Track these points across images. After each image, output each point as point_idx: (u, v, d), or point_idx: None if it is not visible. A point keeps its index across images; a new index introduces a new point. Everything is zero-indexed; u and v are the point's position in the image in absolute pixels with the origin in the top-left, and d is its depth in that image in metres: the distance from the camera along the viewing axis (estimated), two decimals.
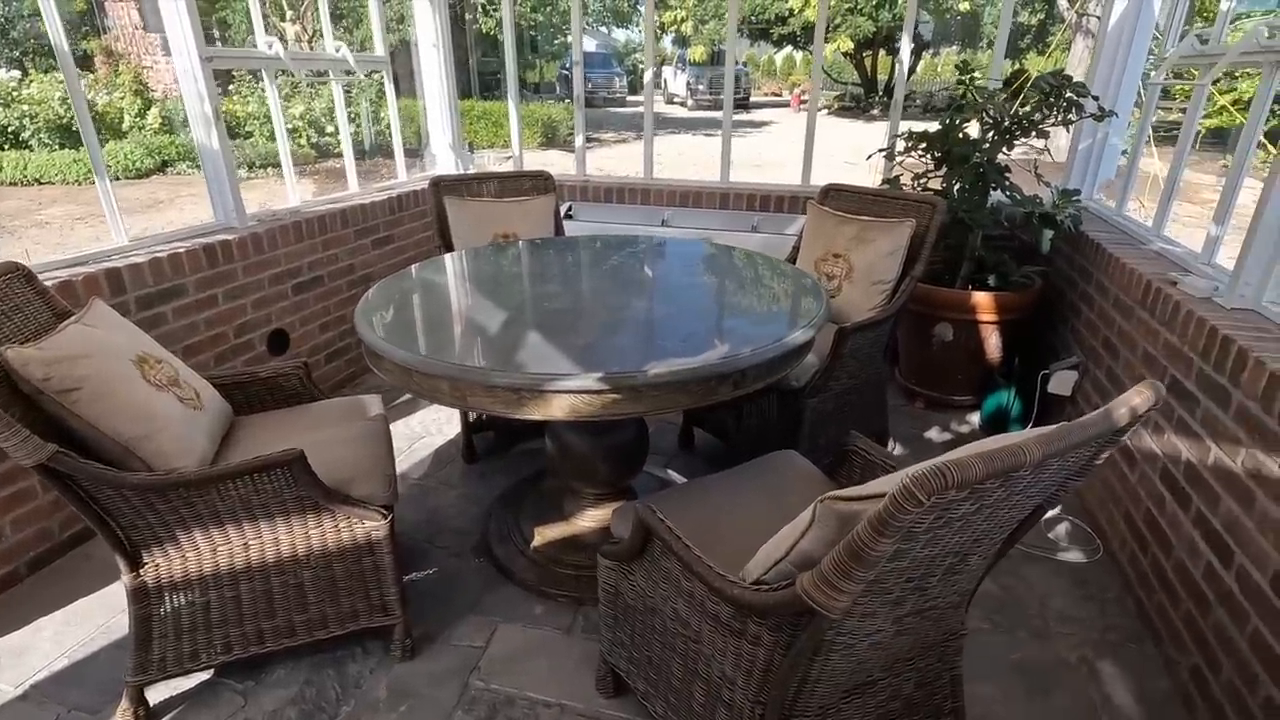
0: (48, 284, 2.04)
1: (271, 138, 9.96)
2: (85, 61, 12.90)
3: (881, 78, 23.95)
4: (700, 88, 23.00)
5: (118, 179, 9.18)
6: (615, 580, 1.50)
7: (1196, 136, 2.40)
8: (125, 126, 10.15)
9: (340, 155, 9.87)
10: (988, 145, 2.64)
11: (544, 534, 2.15)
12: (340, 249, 3.17)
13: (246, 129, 10.02)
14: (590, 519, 2.16)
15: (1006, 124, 2.64)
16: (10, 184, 8.81)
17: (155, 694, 1.65)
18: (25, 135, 9.22)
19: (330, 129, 9.94)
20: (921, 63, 24.81)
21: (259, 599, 1.60)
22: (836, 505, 0.91)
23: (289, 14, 9.87)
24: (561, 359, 1.47)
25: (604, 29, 25.92)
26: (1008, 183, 2.69)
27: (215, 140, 2.61)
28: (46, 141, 9.27)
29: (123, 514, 1.43)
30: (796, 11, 18.33)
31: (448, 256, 2.37)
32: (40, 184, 8.66)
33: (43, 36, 12.86)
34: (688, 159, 11.01)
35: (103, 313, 1.65)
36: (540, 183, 3.06)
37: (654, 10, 3.69)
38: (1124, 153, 3.17)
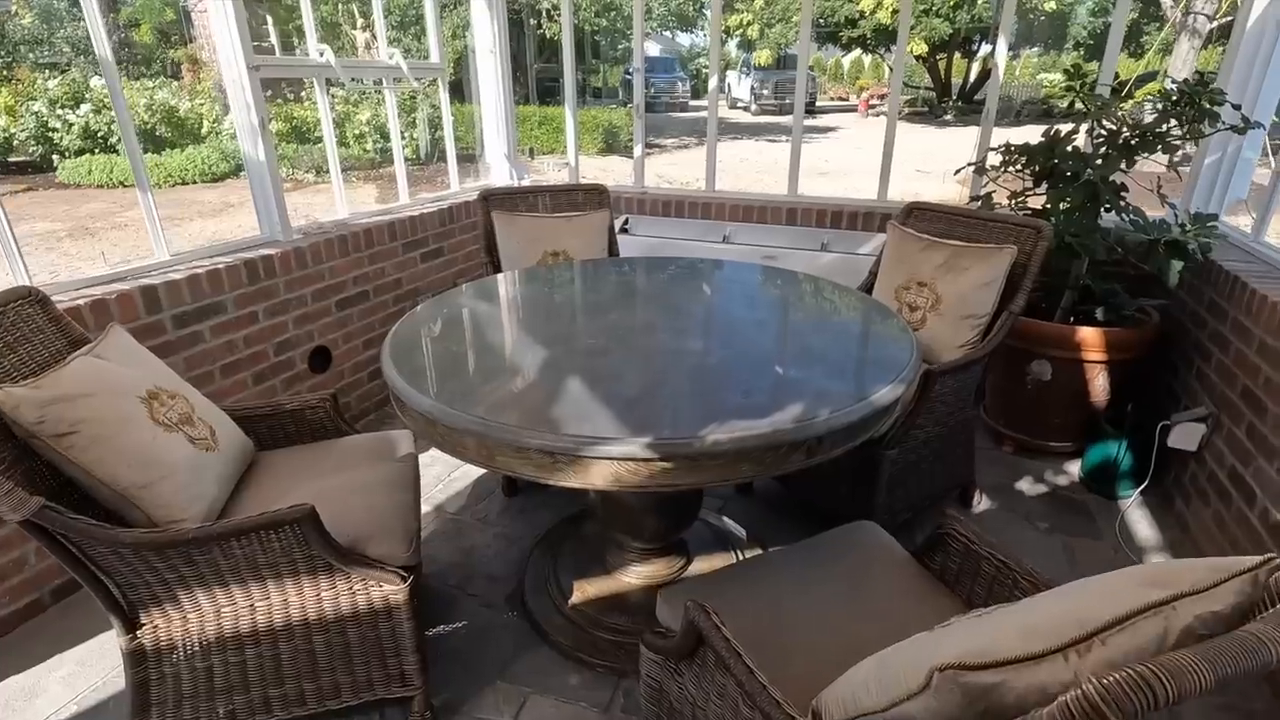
0: (82, 301, 1.97)
1: (341, 142, 10.17)
2: (173, 69, 13.55)
3: (956, 81, 23.00)
4: (765, 92, 22.55)
5: (195, 182, 9.51)
6: (660, 677, 1.27)
7: None
8: (204, 131, 10.53)
9: (408, 161, 10.02)
10: (1101, 161, 2.30)
11: (584, 589, 1.95)
12: (387, 262, 3.06)
13: (316, 134, 10.24)
14: (635, 575, 1.95)
15: (1126, 135, 2.30)
16: (98, 186, 9.23)
17: None
18: (113, 140, 9.66)
19: (403, 140, 10.08)
20: (1003, 64, 23.72)
21: (266, 665, 1.45)
22: (964, 679, 0.67)
23: (359, 21, 10.04)
24: (604, 417, 1.26)
25: (668, 33, 25.80)
26: (1124, 203, 2.35)
27: (261, 151, 2.52)
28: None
29: (118, 571, 1.29)
30: (868, 14, 17.74)
31: (486, 282, 2.20)
32: (125, 187, 9.05)
33: (133, 45, 13.57)
34: (750, 165, 10.70)
35: (118, 342, 1.53)
36: (594, 197, 2.87)
37: (720, 14, 3.46)
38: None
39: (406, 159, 3.39)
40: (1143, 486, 2.39)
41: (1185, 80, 2.20)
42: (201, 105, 10.70)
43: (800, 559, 1.40)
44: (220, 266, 2.34)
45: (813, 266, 3.08)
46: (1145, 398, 2.59)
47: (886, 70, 25.81)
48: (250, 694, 1.46)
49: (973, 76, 22.72)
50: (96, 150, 9.73)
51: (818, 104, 24.88)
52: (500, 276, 2.28)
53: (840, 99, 29.44)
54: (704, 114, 3.64)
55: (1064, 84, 2.46)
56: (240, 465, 1.62)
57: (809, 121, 19.68)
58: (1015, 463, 2.71)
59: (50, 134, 9.70)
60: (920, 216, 2.46)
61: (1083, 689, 0.52)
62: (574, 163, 3.97)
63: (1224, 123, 2.23)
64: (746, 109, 23.60)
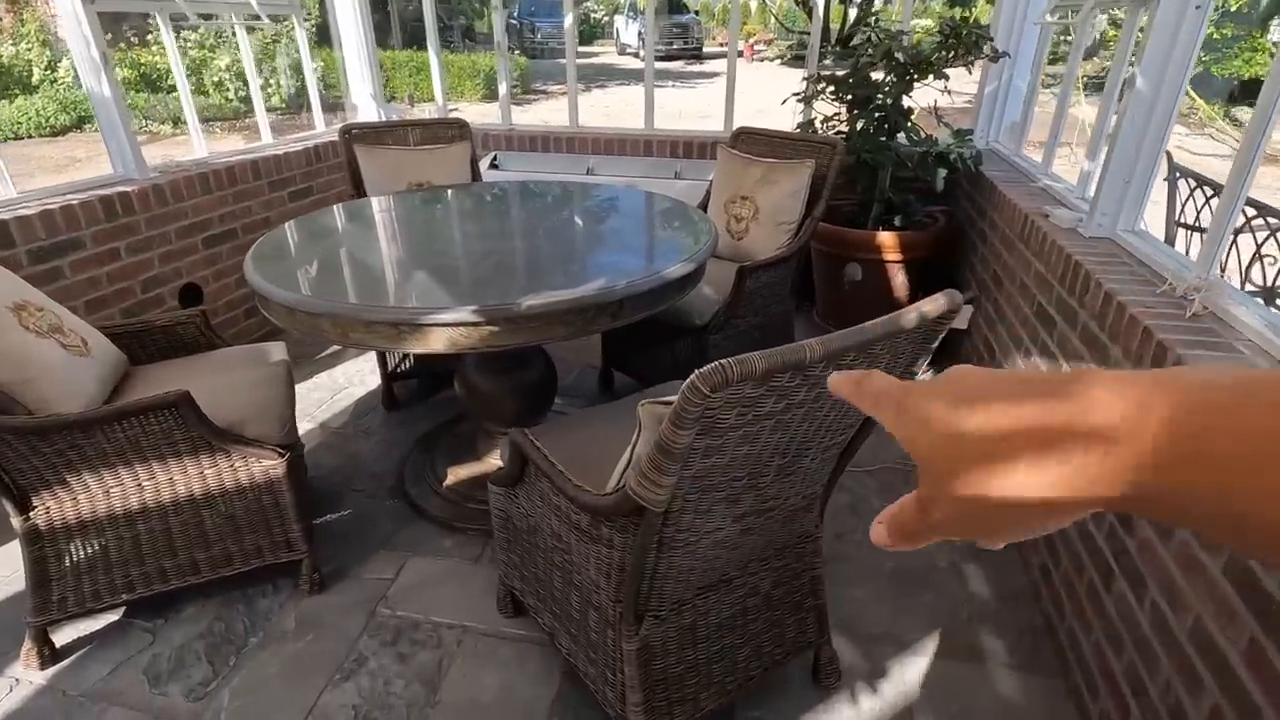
0: None
1: (199, 90, 9.50)
2: None
3: (834, 27, 23.74)
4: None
5: (30, 137, 8.68)
6: (505, 505, 1.57)
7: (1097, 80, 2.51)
8: (35, 80, 9.54)
9: (274, 110, 9.47)
10: (888, 87, 2.71)
11: (457, 473, 2.22)
12: (254, 201, 3.11)
13: (170, 82, 9.51)
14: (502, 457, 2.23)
15: (908, 65, 2.70)
16: None
17: (63, 635, 1.70)
18: None
19: (260, 82, 9.51)
20: (875, 11, 24.63)
21: (158, 538, 1.64)
22: (655, 408, 0.99)
23: None
24: (441, 293, 1.52)
25: None
26: (910, 125, 2.78)
27: (106, 87, 2.52)
28: None
29: (5, 457, 1.44)
30: None
31: (347, 205, 2.37)
32: None
33: None
34: (636, 111, 10.84)
35: None
36: (455, 130, 3.03)
37: None
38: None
39: (273, 108, 3.40)
40: (929, 361, 2.89)
41: (950, 18, 2.62)
42: (29, 50, 9.65)
43: (614, 410, 1.72)
44: (74, 202, 2.36)
45: (668, 192, 3.36)
46: (935, 288, 3.09)
47: (771, 17, 26.25)
48: (145, 566, 1.65)
49: (850, 20, 23.53)
50: None
51: (705, 50, 25.07)
52: (362, 201, 2.44)
53: (726, 44, 29.71)
54: (595, 60, 3.80)
55: (859, 20, 2.83)
56: (115, 372, 1.76)
57: (696, 68, 19.88)
58: None
59: None
60: (747, 140, 2.80)
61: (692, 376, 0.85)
62: (440, 101, 4.06)
63: (983, 54, 2.67)
64: (635, 55, 23.48)
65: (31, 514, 1.51)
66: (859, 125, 2.82)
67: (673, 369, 2.49)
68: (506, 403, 2.11)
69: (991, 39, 2.66)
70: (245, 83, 9.65)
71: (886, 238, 2.86)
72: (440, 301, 1.46)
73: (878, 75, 2.86)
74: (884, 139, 2.81)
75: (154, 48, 9.79)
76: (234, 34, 3.40)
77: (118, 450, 1.51)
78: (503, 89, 3.96)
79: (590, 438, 1.57)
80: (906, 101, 2.85)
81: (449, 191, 2.56)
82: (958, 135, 2.73)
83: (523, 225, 2.14)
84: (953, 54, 2.60)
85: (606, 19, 28.94)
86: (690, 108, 11.02)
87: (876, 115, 2.72)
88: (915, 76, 2.63)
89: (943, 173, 2.63)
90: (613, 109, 11.28)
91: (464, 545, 2.02)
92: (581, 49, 24.07)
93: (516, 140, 3.84)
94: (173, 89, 9.50)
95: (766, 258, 2.39)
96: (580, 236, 2.04)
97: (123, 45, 9.86)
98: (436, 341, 1.47)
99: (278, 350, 2.01)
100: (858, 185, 3.08)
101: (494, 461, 2.23)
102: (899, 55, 2.74)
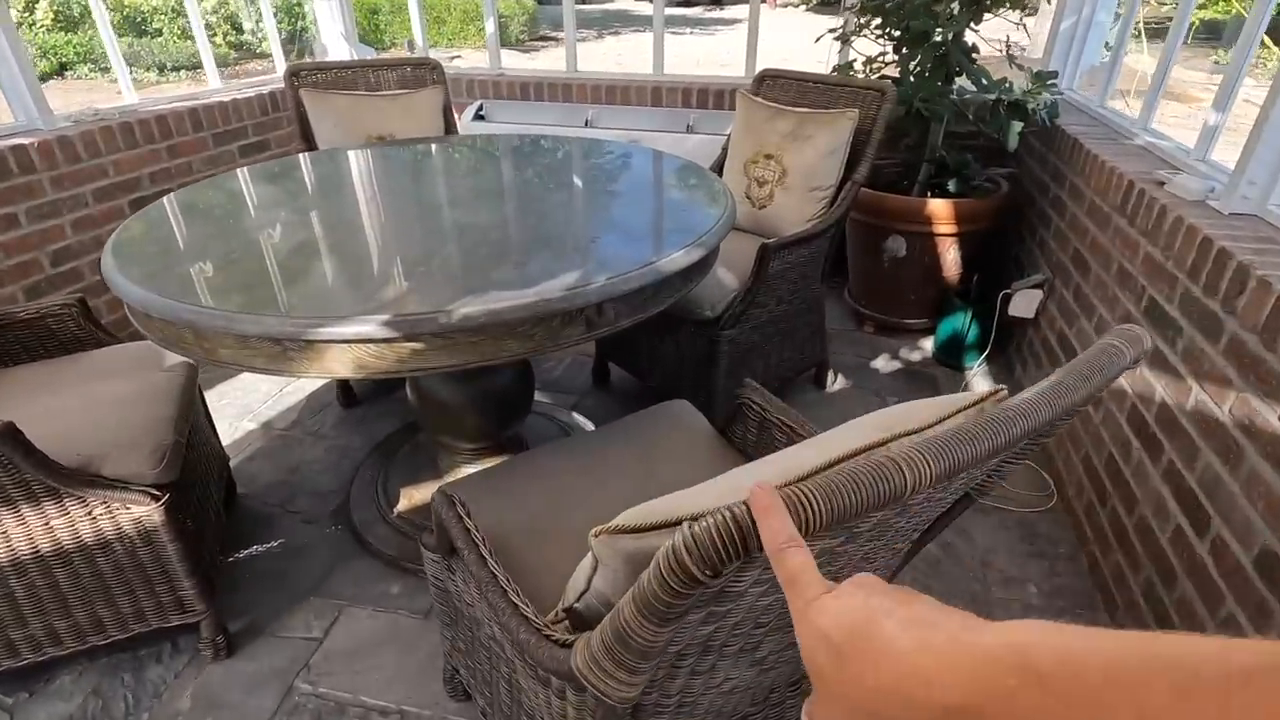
0: None
1: (185, 35, 8.93)
2: None
3: None
4: None
5: None
6: (441, 576, 1.17)
7: (1192, 27, 1.98)
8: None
9: (265, 55, 8.90)
10: (952, 18, 2.18)
11: (411, 496, 1.83)
12: (195, 156, 2.67)
13: (157, 24, 8.96)
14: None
15: None
16: None
17: None
18: None
19: (250, 25, 8.93)
20: None
21: None
22: (620, 542, 0.57)
23: None
24: (344, 296, 1.09)
25: None
26: (975, 65, 2.26)
27: None
28: None
29: None
30: None
31: (267, 165, 1.92)
32: None
33: None
34: (648, 60, 10.13)
35: None
36: (424, 73, 2.56)
37: None
38: (1107, 46, 2.72)
39: (264, 55, 2.92)
40: (985, 355, 2.44)
41: None
42: None
43: (599, 441, 1.31)
44: None
45: (678, 149, 2.88)
46: (993, 268, 2.61)
47: None
48: None
49: None
50: None
51: None
52: (291, 158, 2.00)
53: None
54: (611, 5, 3.27)
55: None
56: None
57: (715, 14, 18.80)
58: (874, 342, 2.72)
59: None
60: (772, 85, 2.31)
61: (666, 552, 0.42)
62: (421, 42, 3.56)
63: None
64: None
65: None
66: (911, 67, 2.30)
67: (678, 365, 2.06)
68: (467, 415, 1.70)
69: None
70: (235, 27, 9.11)
71: (939, 206, 2.37)
72: (339, 309, 1.03)
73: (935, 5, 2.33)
74: (941, 83, 2.29)
75: None
76: None
77: None
78: (489, 26, 3.44)
79: (566, 487, 1.16)
80: (970, 37, 2.32)
81: (402, 149, 2.10)
82: (1037, 79, 2.21)
83: (483, 195, 1.68)
84: None
85: None
86: (710, 56, 10.28)
87: (934, 54, 2.20)
88: (991, 4, 2.10)
89: (1018, 127, 2.13)
90: (627, 56, 10.56)
91: (412, 592, 1.63)
92: None
93: (505, 87, 3.34)
94: (159, 33, 8.96)
95: (795, 233, 1.93)
96: (554, 211, 1.58)
97: None
98: (337, 363, 1.05)
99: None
100: (903, 141, 2.58)
101: None
102: None
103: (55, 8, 8.76)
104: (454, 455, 1.83)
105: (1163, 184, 1.67)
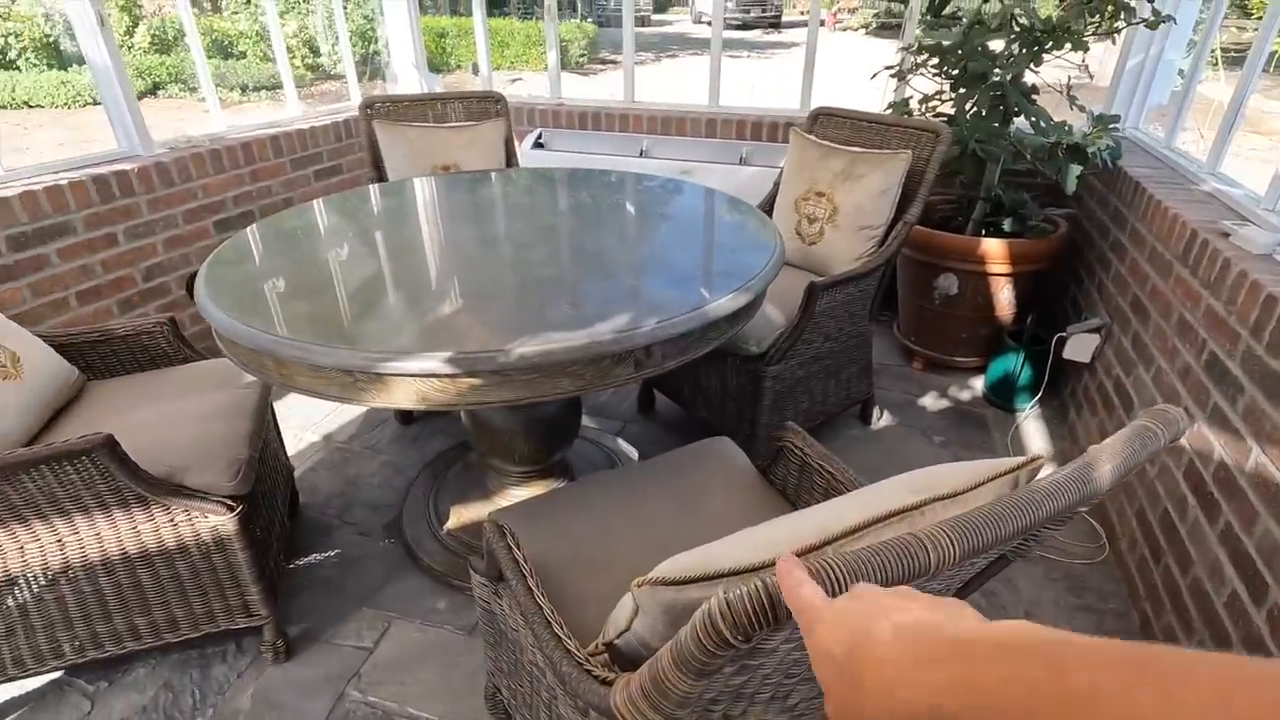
0: None
1: (266, 57, 9.48)
2: None
3: None
4: (729, 4, 21.54)
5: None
6: (489, 599, 1.23)
7: (1272, 56, 1.93)
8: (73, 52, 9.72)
9: (339, 77, 9.36)
10: (1011, 59, 2.18)
11: (461, 515, 1.90)
12: (273, 180, 2.85)
13: (239, 48, 9.54)
14: (514, 499, 1.90)
15: (1038, 33, 2.16)
16: (2, 107, 8.53)
17: None
18: (12, 55, 8.87)
19: (324, 49, 9.41)
20: None
21: (88, 601, 1.37)
22: (659, 593, 0.61)
23: None
24: (411, 331, 1.17)
25: None
26: (1034, 106, 2.24)
27: (105, 52, 2.27)
28: (34, 62, 8.92)
29: None
30: None
31: (344, 195, 2.04)
32: (29, 107, 8.38)
33: None
34: (706, 83, 10.23)
35: None
36: (489, 106, 2.68)
37: None
38: (1181, 74, 2.66)
39: (337, 76, 3.12)
40: (1038, 398, 2.40)
41: None
42: (108, 16, 9.83)
43: (644, 475, 1.35)
44: (63, 183, 2.13)
45: (731, 180, 2.95)
46: (1050, 310, 2.56)
47: None
48: (75, 630, 1.39)
49: None
50: None
51: (784, 19, 23.89)
52: (362, 189, 2.12)
53: (808, 13, 28.26)
54: (669, 29, 3.38)
55: None
56: (55, 395, 1.50)
57: (774, 38, 18.90)
58: (923, 379, 2.70)
59: None
60: (826, 123, 2.34)
61: (703, 616, 0.46)
62: (485, 72, 3.71)
63: (1136, 17, 2.11)
64: (711, 24, 22.57)
65: None
66: (967, 107, 2.30)
67: (722, 398, 2.09)
68: (517, 440, 1.77)
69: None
70: (313, 50, 9.61)
71: (994, 246, 2.35)
72: (406, 344, 1.11)
73: (995, 45, 2.32)
74: (998, 124, 2.28)
75: (227, 14, 9.81)
76: (305, 2, 3.11)
77: (29, 502, 1.24)
78: (551, 58, 3.57)
79: (608, 522, 1.20)
80: (1030, 77, 2.31)
81: (465, 180, 2.20)
82: (1099, 122, 2.18)
83: (539, 231, 1.75)
84: (1101, 18, 2.05)
85: None
86: (765, 81, 10.34)
87: (992, 95, 2.20)
88: (1051, 46, 2.09)
89: (1077, 170, 2.10)
90: (681, 81, 10.71)
91: (458, 609, 1.70)
92: (655, 17, 23.36)
93: (565, 117, 3.45)
94: (242, 56, 9.52)
95: (844, 271, 1.95)
96: (609, 249, 1.64)
97: (197, 11, 9.92)
98: (402, 395, 1.12)
99: None
100: (957, 178, 2.57)
101: (504, 504, 1.90)
102: (1025, 19, 2.20)
103: (152, 32, 9.42)
104: (502, 477, 1.90)
105: (1228, 235, 1.63)
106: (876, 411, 2.42)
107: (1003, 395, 2.47)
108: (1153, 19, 2.06)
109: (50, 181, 2.11)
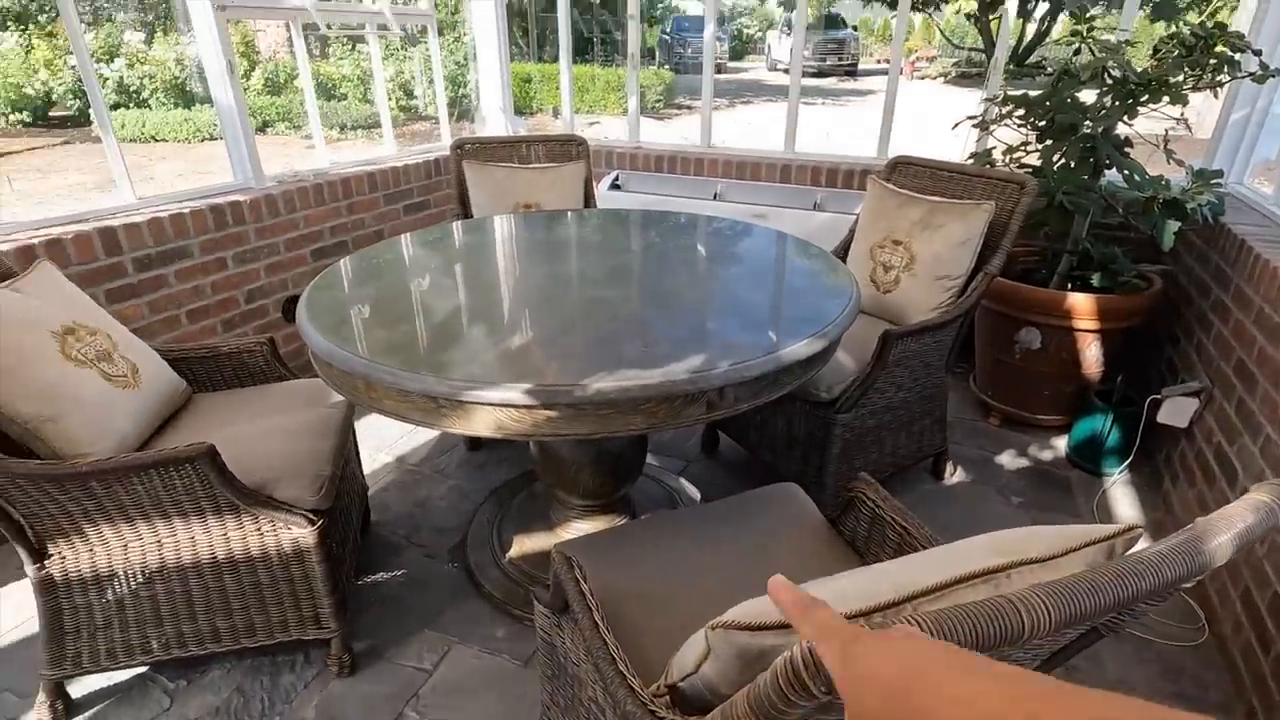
0: (37, 240, 1.99)
1: (365, 99, 10.15)
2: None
3: (1012, 43, 21.79)
4: (804, 52, 21.77)
5: (221, 138, 9.62)
6: (549, 631, 1.24)
7: None
8: (200, 92, 10.61)
9: (429, 118, 9.92)
10: (1104, 112, 2.12)
11: (523, 544, 1.93)
12: (367, 214, 3.03)
13: (341, 91, 10.26)
14: (576, 532, 1.91)
15: (1132, 85, 2.11)
16: (130, 140, 9.40)
17: (83, 685, 1.56)
18: (145, 95, 9.81)
19: (418, 92, 10.02)
20: (1059, 25, 22.24)
21: (177, 601, 1.46)
22: (734, 637, 0.61)
23: None
24: (493, 362, 1.21)
25: None
26: (1127, 159, 2.17)
27: (231, 95, 2.49)
28: (163, 101, 9.85)
29: (20, 502, 1.30)
30: None
31: (430, 231, 2.15)
32: (155, 141, 9.22)
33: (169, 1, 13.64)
34: (783, 129, 10.33)
35: (43, 278, 1.53)
36: (570, 148, 2.79)
37: None
38: None
39: (427, 117, 3.34)
40: (1128, 463, 2.26)
41: (1201, 23, 2.00)
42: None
43: (712, 519, 1.34)
44: (185, 211, 2.33)
45: (804, 226, 2.95)
46: (1141, 370, 2.43)
47: (936, 32, 24.62)
48: (164, 628, 1.47)
49: (1028, 37, 21.50)
50: (130, 105, 9.91)
51: (861, 66, 23.94)
52: (449, 225, 2.23)
53: (888, 61, 28.24)
54: (742, 75, 3.47)
55: (1070, 28, 2.26)
56: (167, 404, 1.62)
57: (848, 84, 18.96)
58: (1000, 435, 2.59)
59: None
60: (904, 172, 2.32)
61: (784, 663, 0.46)
62: (567, 115, 3.87)
63: (1242, 71, 2.03)
64: (786, 71, 22.84)
65: (46, 563, 1.37)
66: (1055, 159, 2.24)
67: (789, 443, 2.07)
68: (584, 473, 1.79)
69: (1259, 52, 2.00)
70: (408, 93, 10.24)
71: (1081, 301, 2.26)
72: (487, 374, 1.15)
73: (1085, 96, 2.27)
74: (1088, 176, 2.22)
75: (333, 59, 10.59)
76: (403, 47, 3.35)
77: (136, 503, 1.34)
78: (632, 103, 3.70)
79: (674, 563, 1.20)
80: (1122, 129, 2.24)
81: (545, 219, 2.29)
82: (1199, 177, 2.09)
83: (616, 269, 1.80)
84: (1202, 71, 1.98)
85: (759, 34, 28.51)
86: (840, 127, 10.35)
87: (1082, 146, 2.14)
88: (1146, 100, 2.02)
89: (1174, 226, 2.01)
90: (757, 124, 10.84)
91: (517, 638, 1.71)
92: (731, 64, 23.84)
93: (642, 160, 3.55)
94: (344, 98, 10.23)
95: (920, 321, 1.91)
96: (682, 289, 1.67)
97: (311, 58, 10.75)
98: (480, 423, 1.17)
99: None
100: (1042, 229, 2.49)
101: (566, 536, 1.92)
102: (1118, 71, 2.15)
103: (266, 75, 10.26)
104: (566, 509, 1.92)
105: None
106: (950, 466, 2.33)
107: (1088, 457, 2.34)
108: (1260, 73, 1.97)
109: (175, 209, 2.32)
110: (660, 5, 22.62)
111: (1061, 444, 2.50)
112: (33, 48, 9.97)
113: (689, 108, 13.45)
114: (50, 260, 1.68)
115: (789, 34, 23.00)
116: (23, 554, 1.35)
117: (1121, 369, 2.37)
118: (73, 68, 9.77)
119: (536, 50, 13.98)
